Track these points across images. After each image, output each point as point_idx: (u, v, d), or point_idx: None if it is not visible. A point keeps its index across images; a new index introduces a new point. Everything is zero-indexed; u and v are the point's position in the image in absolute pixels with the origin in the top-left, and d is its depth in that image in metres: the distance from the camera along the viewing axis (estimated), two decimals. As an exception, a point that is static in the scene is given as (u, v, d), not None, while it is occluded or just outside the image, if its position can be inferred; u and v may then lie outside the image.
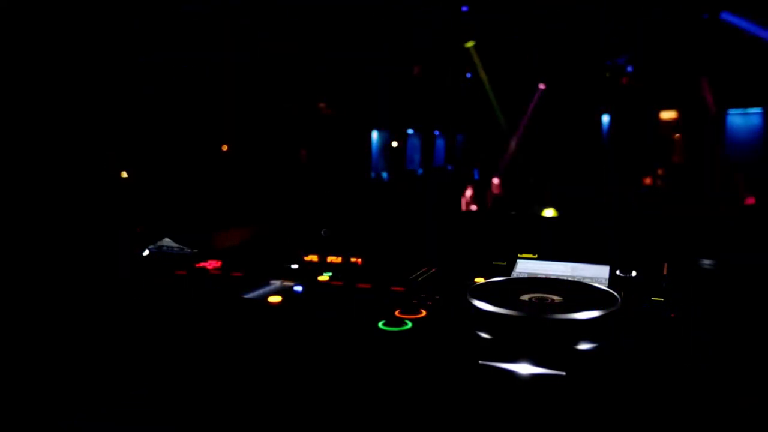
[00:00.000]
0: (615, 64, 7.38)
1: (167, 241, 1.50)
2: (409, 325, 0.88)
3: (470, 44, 7.88)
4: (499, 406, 0.76)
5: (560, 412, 0.73)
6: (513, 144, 8.14)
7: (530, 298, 0.92)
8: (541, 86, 7.80)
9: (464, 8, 6.71)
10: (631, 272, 1.08)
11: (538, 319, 0.82)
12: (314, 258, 1.31)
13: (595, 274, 1.11)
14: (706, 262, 1.11)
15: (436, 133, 11.51)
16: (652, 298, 0.97)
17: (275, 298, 1.03)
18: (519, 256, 1.23)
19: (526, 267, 1.18)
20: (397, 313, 0.93)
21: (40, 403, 0.86)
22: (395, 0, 5.83)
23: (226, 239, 1.39)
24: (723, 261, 1.09)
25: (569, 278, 1.07)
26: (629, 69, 7.24)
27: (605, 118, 8.16)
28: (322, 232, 1.40)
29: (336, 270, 1.23)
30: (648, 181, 6.73)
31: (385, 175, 8.93)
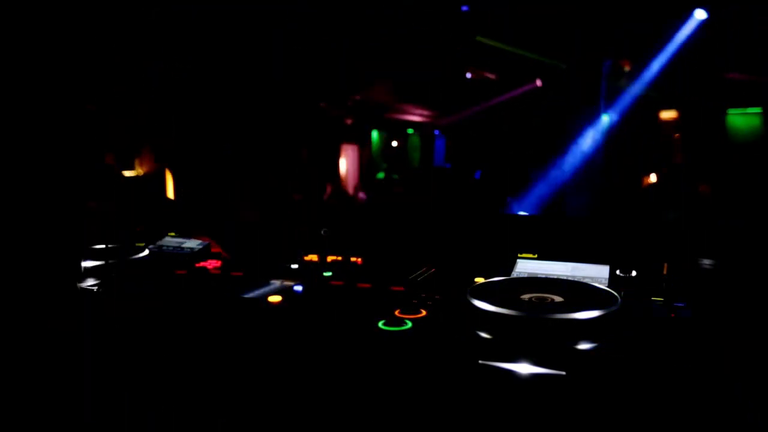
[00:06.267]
0: (614, 64, 7.37)
1: (167, 241, 1.50)
2: (409, 325, 0.88)
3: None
4: (499, 406, 0.76)
5: (560, 412, 0.73)
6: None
7: (530, 298, 0.92)
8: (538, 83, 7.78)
9: (464, 8, 6.71)
10: (631, 272, 1.08)
11: (538, 319, 0.82)
12: (314, 258, 1.31)
13: (595, 274, 1.11)
14: (706, 262, 1.11)
15: (436, 132, 11.47)
16: (652, 298, 0.97)
17: (275, 298, 1.03)
18: (519, 256, 1.22)
19: (526, 267, 1.18)
20: (397, 313, 0.93)
21: (40, 405, 0.87)
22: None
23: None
24: (723, 261, 1.09)
25: (569, 278, 1.07)
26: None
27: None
28: (322, 232, 1.40)
29: (336, 270, 1.23)
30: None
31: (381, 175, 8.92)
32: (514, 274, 1.15)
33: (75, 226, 0.89)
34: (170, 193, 2.50)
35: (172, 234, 1.53)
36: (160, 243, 1.49)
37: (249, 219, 1.42)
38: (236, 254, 1.39)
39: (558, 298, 0.91)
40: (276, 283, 1.14)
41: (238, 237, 1.50)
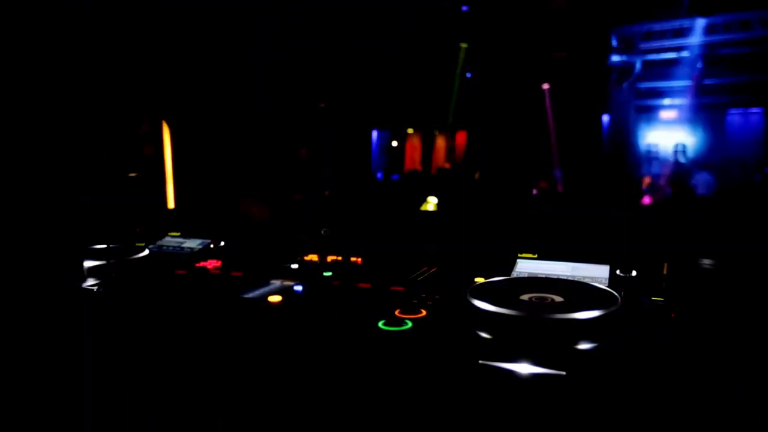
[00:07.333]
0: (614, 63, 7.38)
1: (167, 241, 1.50)
2: (409, 325, 0.88)
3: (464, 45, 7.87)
4: (499, 406, 0.76)
5: (560, 412, 0.73)
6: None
7: (530, 298, 0.92)
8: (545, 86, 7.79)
9: (464, 8, 6.71)
10: (631, 272, 1.08)
11: (538, 319, 0.82)
12: (314, 258, 1.31)
13: (595, 274, 1.11)
14: (706, 262, 1.11)
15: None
16: (652, 298, 0.97)
17: (275, 298, 1.03)
18: (519, 256, 1.22)
19: (526, 267, 1.18)
20: (397, 312, 0.93)
21: (40, 405, 0.87)
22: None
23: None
24: (723, 261, 1.09)
25: (569, 278, 1.07)
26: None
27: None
28: (322, 232, 1.40)
29: (336, 270, 1.23)
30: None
31: (380, 175, 8.93)
32: (514, 274, 1.15)
33: (73, 225, 0.89)
34: (170, 194, 2.51)
35: (173, 234, 1.53)
36: (160, 243, 1.49)
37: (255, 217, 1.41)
38: (238, 254, 1.39)
39: (558, 299, 0.91)
40: (276, 283, 1.14)
41: (240, 236, 1.50)
